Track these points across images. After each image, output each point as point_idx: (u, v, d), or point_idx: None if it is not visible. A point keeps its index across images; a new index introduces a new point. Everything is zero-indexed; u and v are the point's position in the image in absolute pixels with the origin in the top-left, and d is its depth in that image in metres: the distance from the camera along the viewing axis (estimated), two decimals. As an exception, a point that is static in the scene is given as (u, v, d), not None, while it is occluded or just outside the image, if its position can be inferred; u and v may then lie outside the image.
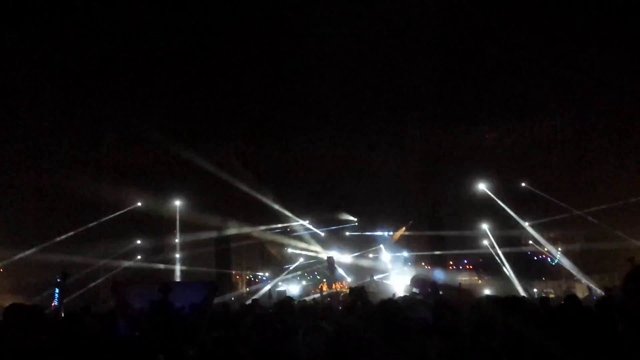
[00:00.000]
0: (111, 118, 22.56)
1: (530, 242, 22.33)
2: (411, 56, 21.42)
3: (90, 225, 22.21)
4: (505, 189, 22.74)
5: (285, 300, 5.39)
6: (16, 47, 17.91)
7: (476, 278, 22.65)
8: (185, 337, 4.73)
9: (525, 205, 22.29)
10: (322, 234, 25.43)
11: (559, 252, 22.35)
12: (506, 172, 22.95)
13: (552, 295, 16.33)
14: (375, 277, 21.89)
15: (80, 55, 19.63)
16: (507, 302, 5.05)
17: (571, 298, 6.77)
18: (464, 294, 11.55)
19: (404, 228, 24.65)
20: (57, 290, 13.24)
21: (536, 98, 22.43)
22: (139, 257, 23.60)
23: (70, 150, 22.32)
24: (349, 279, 23.07)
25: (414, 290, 11.34)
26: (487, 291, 17.69)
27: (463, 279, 23.03)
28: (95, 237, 23.22)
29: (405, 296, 9.74)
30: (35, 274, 20.57)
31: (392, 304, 4.09)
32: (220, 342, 4.38)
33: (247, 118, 23.86)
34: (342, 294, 19.47)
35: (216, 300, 9.23)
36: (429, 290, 9.33)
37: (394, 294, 14.18)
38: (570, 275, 20.09)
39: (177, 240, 22.44)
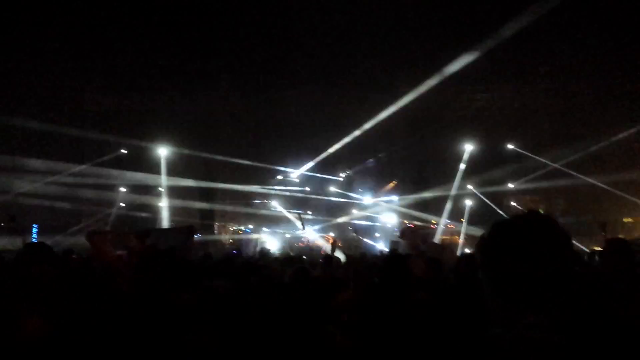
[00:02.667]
0: (97, 62, 22.15)
1: (513, 203, 22.57)
2: (404, 12, 21.05)
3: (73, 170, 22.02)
4: (492, 151, 22.82)
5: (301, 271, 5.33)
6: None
7: (456, 237, 22.94)
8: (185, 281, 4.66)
9: (509, 166, 22.46)
10: (307, 190, 25.49)
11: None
12: (494, 134, 22.99)
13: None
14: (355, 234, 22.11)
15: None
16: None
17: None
18: (447, 251, 11.70)
19: (392, 184, 24.79)
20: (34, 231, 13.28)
21: (526, 60, 22.31)
22: (122, 205, 23.49)
23: (53, 94, 21.95)
24: (331, 234, 23.27)
25: (399, 241, 11.44)
26: (467, 250, 17.94)
27: (444, 237, 23.35)
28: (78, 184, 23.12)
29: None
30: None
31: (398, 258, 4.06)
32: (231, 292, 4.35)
33: (237, 69, 23.50)
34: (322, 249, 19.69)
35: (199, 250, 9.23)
36: (420, 243, 9.34)
37: (380, 251, 14.34)
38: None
39: (162, 189, 22.33)
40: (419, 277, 4.71)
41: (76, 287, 3.89)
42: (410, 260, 4.55)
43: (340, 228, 23.82)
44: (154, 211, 22.26)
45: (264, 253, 11.59)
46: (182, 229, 8.29)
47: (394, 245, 12.38)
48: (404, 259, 4.04)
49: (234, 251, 18.45)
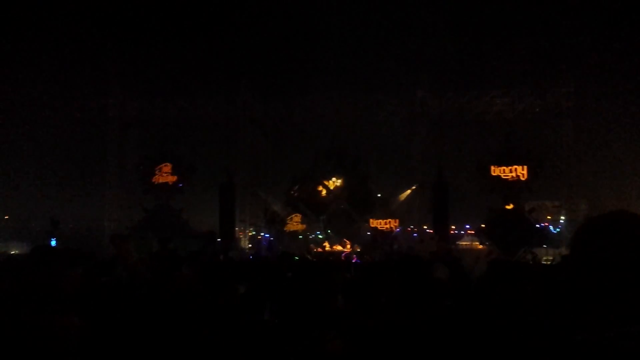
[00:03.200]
0: (119, 70, 22.52)
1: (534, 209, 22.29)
2: (425, 17, 21.05)
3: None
4: (512, 155, 22.61)
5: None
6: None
7: (477, 243, 22.72)
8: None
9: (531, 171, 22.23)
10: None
11: (561, 221, 22.41)
12: (515, 138, 22.80)
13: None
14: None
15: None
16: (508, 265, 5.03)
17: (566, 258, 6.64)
18: (471, 257, 11.57)
19: (409, 190, 24.66)
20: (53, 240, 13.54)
21: (548, 65, 22.15)
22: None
23: (77, 103, 22.33)
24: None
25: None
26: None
27: (464, 243, 23.15)
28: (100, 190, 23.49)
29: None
30: (38, 220, 20.82)
31: (415, 260, 4.02)
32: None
33: (256, 74, 23.74)
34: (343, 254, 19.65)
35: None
36: (445, 249, 9.26)
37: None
38: (572, 244, 20.13)
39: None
40: (444, 282, 4.67)
41: (104, 291, 3.96)
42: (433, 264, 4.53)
43: (358, 232, 23.75)
44: (177, 216, 22.45)
45: (285, 257, 11.47)
46: (204, 235, 8.38)
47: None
48: (423, 262, 4.01)
49: (250, 256, 18.53)
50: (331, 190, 25.58)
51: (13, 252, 17.35)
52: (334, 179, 25.60)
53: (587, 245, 1.42)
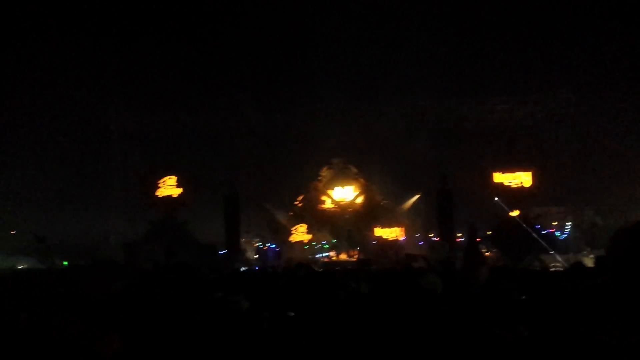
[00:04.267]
0: (121, 83, 22.64)
1: (539, 215, 22.26)
2: (424, 25, 21.12)
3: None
4: (515, 162, 22.65)
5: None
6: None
7: (484, 250, 22.65)
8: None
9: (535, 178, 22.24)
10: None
11: (567, 226, 22.34)
12: (517, 145, 22.85)
13: (559, 268, 16.31)
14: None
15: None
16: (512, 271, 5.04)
17: (577, 265, 6.58)
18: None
19: (413, 198, 24.68)
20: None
21: (550, 71, 22.18)
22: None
23: (79, 117, 22.44)
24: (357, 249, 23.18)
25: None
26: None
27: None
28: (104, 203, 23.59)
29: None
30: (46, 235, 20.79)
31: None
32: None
33: (257, 85, 23.81)
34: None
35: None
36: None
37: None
38: (578, 250, 20.06)
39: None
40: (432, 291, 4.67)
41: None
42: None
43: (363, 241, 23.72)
44: (182, 228, 22.50)
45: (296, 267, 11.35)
46: (208, 246, 8.41)
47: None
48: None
49: (256, 267, 18.52)
50: (335, 200, 25.62)
51: (20, 267, 17.38)
52: (337, 188, 25.66)
53: (627, 249, 1.43)
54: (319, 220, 25.25)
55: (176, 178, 23.19)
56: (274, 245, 23.85)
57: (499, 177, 22.68)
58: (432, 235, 23.34)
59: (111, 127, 24.12)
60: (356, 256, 21.48)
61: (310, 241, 24.38)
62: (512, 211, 22.28)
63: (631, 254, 1.39)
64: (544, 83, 22.79)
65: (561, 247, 20.54)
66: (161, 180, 23.19)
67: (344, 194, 25.60)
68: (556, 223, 22.78)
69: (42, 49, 19.70)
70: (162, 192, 23.19)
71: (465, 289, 5.44)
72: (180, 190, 23.14)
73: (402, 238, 23.77)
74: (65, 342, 2.42)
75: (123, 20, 21.07)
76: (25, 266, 17.76)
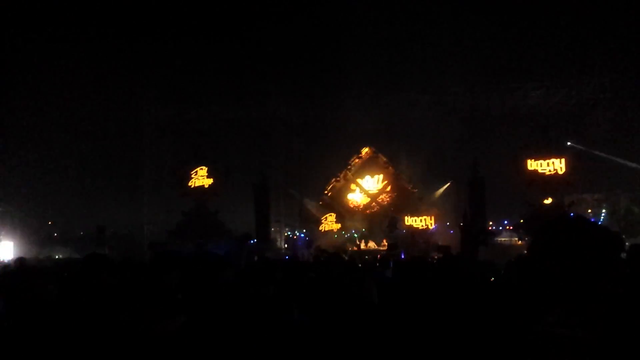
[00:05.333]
0: (153, 77, 22.98)
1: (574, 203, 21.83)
2: (454, 10, 20.84)
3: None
4: (549, 148, 22.23)
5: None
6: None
7: (516, 239, 22.37)
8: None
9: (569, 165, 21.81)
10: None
11: (602, 214, 21.89)
12: (551, 131, 22.39)
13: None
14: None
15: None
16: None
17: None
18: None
19: (444, 186, 24.49)
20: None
21: (585, 55, 21.63)
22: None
23: (113, 110, 22.88)
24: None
25: None
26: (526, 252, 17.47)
27: (502, 239, 22.80)
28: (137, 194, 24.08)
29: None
30: (82, 226, 21.42)
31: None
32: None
33: (287, 75, 23.88)
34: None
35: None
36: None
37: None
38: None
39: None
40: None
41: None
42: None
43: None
44: (214, 218, 22.84)
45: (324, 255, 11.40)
46: (237, 236, 8.52)
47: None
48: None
49: (286, 256, 18.64)
50: (364, 189, 25.61)
51: (57, 257, 17.91)
52: (367, 177, 25.63)
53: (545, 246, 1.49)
54: (348, 210, 25.28)
55: (207, 169, 23.49)
56: (303, 235, 24.00)
57: (532, 164, 22.29)
58: (462, 224, 23.10)
59: (144, 119, 24.52)
60: (385, 245, 21.45)
61: (339, 230, 24.45)
62: (545, 199, 21.92)
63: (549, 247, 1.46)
64: (579, 68, 22.24)
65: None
66: (193, 171, 23.54)
67: (373, 183, 25.56)
68: (590, 211, 22.32)
69: (78, 42, 20.11)
70: (194, 182, 23.54)
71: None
72: (211, 181, 23.47)
73: (432, 227, 23.62)
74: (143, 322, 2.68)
75: (157, 13, 21.36)
76: (60, 256, 18.27)
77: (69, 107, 21.45)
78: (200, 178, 23.57)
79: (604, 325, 1.30)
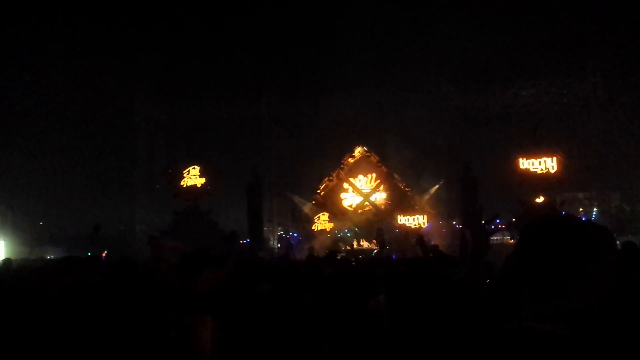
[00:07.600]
0: (145, 75, 22.90)
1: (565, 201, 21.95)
2: (447, 9, 20.88)
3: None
4: (541, 147, 22.32)
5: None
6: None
7: (508, 238, 22.43)
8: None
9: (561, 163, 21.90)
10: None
11: (594, 213, 22.01)
12: (542, 130, 22.48)
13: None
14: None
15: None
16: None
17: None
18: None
19: (437, 185, 24.51)
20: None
21: (576, 54, 21.74)
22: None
23: (105, 108, 22.78)
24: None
25: None
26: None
27: (495, 238, 22.84)
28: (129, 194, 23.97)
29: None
30: (73, 225, 21.28)
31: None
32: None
33: (279, 74, 23.85)
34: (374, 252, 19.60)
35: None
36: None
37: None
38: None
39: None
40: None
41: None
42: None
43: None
44: (206, 217, 22.78)
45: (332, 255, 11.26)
46: (227, 235, 8.45)
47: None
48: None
49: (276, 255, 18.61)
50: (357, 188, 25.61)
51: (49, 257, 17.77)
52: (359, 176, 25.64)
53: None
54: (341, 209, 25.28)
55: (199, 168, 23.41)
56: (296, 234, 23.98)
57: (524, 163, 22.37)
58: (454, 223, 23.18)
59: (136, 118, 24.42)
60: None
61: (332, 229, 24.43)
62: (537, 197, 22.00)
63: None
64: (571, 67, 22.36)
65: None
66: (185, 170, 23.46)
67: (366, 182, 25.58)
68: (582, 209, 22.44)
69: (69, 41, 20.00)
70: (186, 182, 23.46)
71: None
72: (203, 180, 23.38)
73: (425, 226, 23.65)
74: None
75: (148, 10, 21.26)
76: (52, 256, 18.13)
77: (61, 105, 21.35)
78: (193, 177, 23.48)
79: (588, 321, 1.31)
